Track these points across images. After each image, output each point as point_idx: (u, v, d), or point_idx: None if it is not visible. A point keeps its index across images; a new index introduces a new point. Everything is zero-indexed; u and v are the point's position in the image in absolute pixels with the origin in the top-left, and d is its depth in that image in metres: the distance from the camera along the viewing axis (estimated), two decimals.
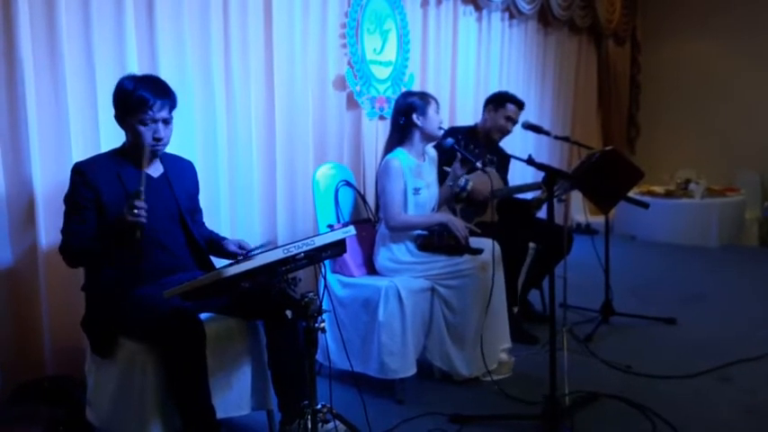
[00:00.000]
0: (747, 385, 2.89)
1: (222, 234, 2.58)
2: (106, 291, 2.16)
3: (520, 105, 3.67)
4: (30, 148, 2.54)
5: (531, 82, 5.90)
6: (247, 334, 2.33)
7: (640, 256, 5.61)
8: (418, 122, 2.88)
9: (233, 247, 2.35)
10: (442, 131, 2.95)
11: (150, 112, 2.15)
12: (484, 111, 3.71)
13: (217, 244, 2.42)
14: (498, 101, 3.65)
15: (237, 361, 2.31)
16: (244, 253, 2.30)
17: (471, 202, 3.34)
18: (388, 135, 3.00)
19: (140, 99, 2.13)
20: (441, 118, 2.96)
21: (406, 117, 2.89)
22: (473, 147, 2.91)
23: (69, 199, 2.17)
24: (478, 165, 2.84)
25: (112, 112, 2.22)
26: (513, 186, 3.65)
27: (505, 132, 3.67)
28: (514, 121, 3.67)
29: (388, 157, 2.87)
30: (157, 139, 2.19)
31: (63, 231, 2.16)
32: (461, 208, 3.39)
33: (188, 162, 2.49)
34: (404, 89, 4.21)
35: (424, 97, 2.93)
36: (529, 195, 3.69)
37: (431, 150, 3.07)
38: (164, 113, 2.18)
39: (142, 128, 2.16)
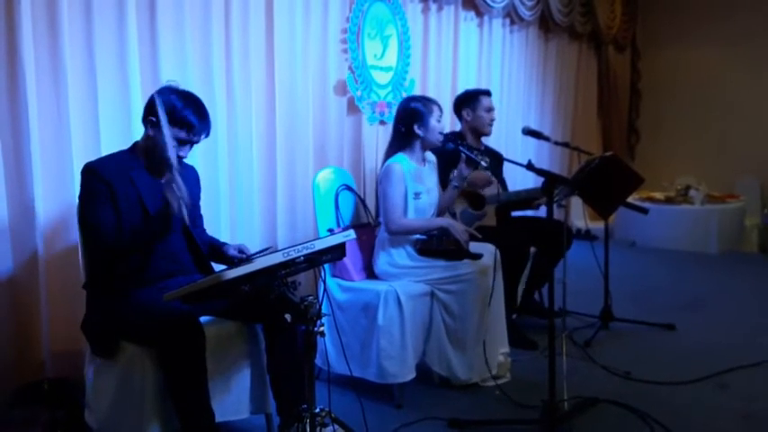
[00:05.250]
0: (746, 392, 2.89)
1: (222, 238, 2.59)
2: (107, 291, 2.17)
3: (489, 93, 3.72)
4: (31, 156, 2.55)
5: (532, 88, 5.91)
6: (246, 337, 2.33)
7: (640, 262, 5.61)
8: (419, 133, 2.89)
9: (233, 252, 2.35)
10: (441, 137, 2.94)
11: (188, 135, 2.17)
12: (459, 116, 3.71)
13: (217, 249, 2.42)
14: (471, 99, 3.67)
15: (236, 364, 2.31)
16: (244, 257, 2.30)
17: (470, 194, 3.35)
18: (390, 140, 3.01)
19: (185, 121, 2.14)
20: (442, 126, 2.96)
21: (407, 127, 2.90)
22: (476, 149, 2.93)
23: (84, 197, 2.14)
24: (483, 164, 2.85)
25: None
26: (514, 192, 3.66)
27: (492, 123, 3.68)
28: (493, 109, 3.69)
29: (390, 161, 2.88)
30: (180, 158, 2.20)
31: (90, 222, 2.12)
32: (462, 211, 3.39)
33: (191, 167, 2.49)
34: (404, 94, 4.23)
35: (427, 104, 2.92)
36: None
37: (431, 156, 3.08)
38: (195, 138, 2.20)
39: (170, 145, 2.11)
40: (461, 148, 2.89)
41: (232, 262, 2.33)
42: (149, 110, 2.17)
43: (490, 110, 3.65)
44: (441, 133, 2.92)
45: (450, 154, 3.03)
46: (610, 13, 6.80)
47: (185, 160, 2.32)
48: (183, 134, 2.16)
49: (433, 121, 2.89)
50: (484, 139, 3.78)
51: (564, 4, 5.93)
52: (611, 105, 7.17)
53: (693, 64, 7.29)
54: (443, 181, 3.12)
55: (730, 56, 7.01)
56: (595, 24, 6.52)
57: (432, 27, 4.63)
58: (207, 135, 2.26)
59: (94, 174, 2.13)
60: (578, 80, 6.66)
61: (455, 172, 2.99)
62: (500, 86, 5.39)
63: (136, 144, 2.28)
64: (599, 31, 6.63)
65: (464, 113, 3.67)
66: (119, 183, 2.14)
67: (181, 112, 2.13)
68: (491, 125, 3.68)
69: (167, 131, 2.05)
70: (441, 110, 2.96)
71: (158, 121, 2.07)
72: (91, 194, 2.13)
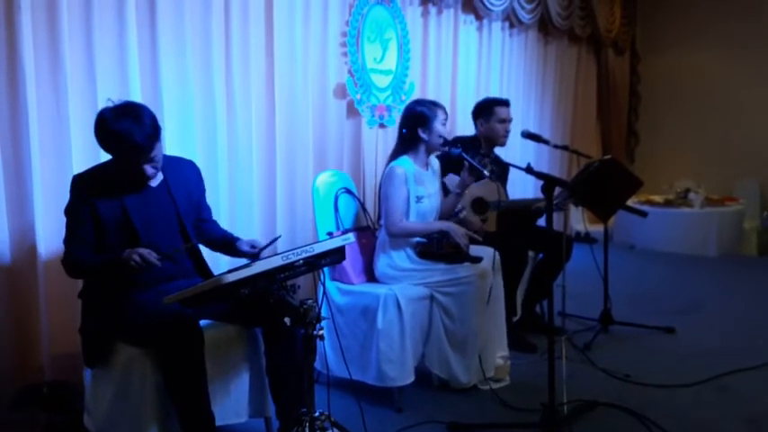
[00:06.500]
0: (746, 394, 2.89)
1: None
2: (104, 298, 2.17)
3: (506, 104, 3.66)
4: (31, 157, 2.55)
5: (531, 91, 5.92)
6: (246, 341, 2.33)
7: (639, 265, 5.61)
8: (423, 137, 2.90)
9: (246, 248, 2.34)
10: (443, 141, 2.94)
11: (140, 158, 2.11)
12: (475, 124, 3.70)
13: (230, 244, 2.40)
14: (485, 109, 3.64)
15: (236, 368, 2.31)
16: (256, 252, 2.30)
17: (474, 198, 3.37)
18: (396, 143, 3.02)
19: (128, 149, 2.07)
20: (447, 130, 2.95)
21: (411, 129, 2.90)
22: (481, 156, 2.93)
23: (69, 212, 2.18)
24: (486, 173, 2.86)
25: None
26: (515, 200, 3.66)
27: (507, 134, 3.65)
28: (509, 120, 3.65)
29: (393, 163, 2.89)
30: (152, 170, 2.18)
31: (65, 244, 2.18)
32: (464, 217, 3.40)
33: (189, 162, 2.48)
34: (404, 97, 4.23)
35: (432, 108, 2.92)
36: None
37: (434, 161, 3.08)
38: (153, 152, 2.13)
39: (134, 167, 2.13)
40: (464, 156, 2.88)
41: (245, 256, 2.33)
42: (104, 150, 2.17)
43: (504, 121, 3.60)
44: (440, 136, 2.92)
45: (454, 159, 3.03)
46: (609, 17, 6.82)
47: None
48: (138, 159, 2.10)
49: (437, 126, 2.90)
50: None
51: (563, 7, 5.95)
52: (610, 108, 7.18)
53: (693, 67, 7.30)
54: (442, 185, 3.13)
55: (730, 59, 7.03)
56: (595, 27, 6.53)
57: (431, 30, 4.64)
58: (159, 139, 2.15)
59: (79, 190, 2.15)
60: (577, 83, 6.67)
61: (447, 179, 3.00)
62: (499, 90, 5.39)
63: None
64: (598, 34, 6.64)
65: (479, 122, 3.67)
66: (103, 196, 2.16)
67: (124, 140, 2.04)
68: (505, 136, 3.63)
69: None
70: (446, 114, 2.96)
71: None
72: (72, 213, 2.17)
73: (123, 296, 2.16)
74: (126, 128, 2.04)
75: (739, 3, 6.87)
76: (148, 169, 2.16)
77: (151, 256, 2.05)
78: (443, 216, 3.07)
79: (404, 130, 2.92)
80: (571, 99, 6.56)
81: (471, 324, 2.82)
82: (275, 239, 2.34)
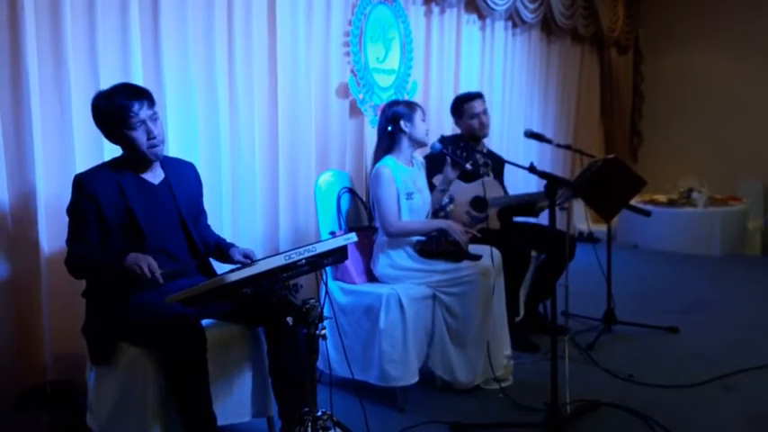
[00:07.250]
0: (751, 394, 2.88)
1: (226, 239, 2.57)
2: (107, 297, 2.17)
3: (475, 97, 3.63)
4: (34, 155, 2.55)
5: (534, 90, 5.91)
6: (248, 340, 2.33)
7: (643, 264, 5.60)
8: (406, 129, 2.91)
9: (238, 257, 2.34)
10: (429, 138, 2.97)
11: (134, 115, 2.13)
12: (455, 123, 3.72)
13: (224, 250, 2.41)
14: (457, 109, 3.66)
15: (238, 367, 2.31)
16: (249, 263, 2.30)
17: (474, 196, 3.37)
18: (376, 144, 3.02)
19: (119, 108, 2.12)
20: (427, 126, 3.00)
21: (393, 124, 2.92)
22: (461, 152, 2.95)
23: (71, 211, 2.18)
24: (468, 166, 2.90)
25: (100, 134, 2.21)
26: (513, 195, 3.65)
27: (483, 126, 3.62)
28: (483, 112, 3.61)
29: (378, 165, 2.89)
30: (152, 137, 2.18)
31: (68, 243, 2.18)
32: (465, 212, 3.40)
33: (189, 164, 2.49)
34: (407, 97, 4.23)
35: (410, 105, 2.97)
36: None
37: (418, 157, 3.10)
38: (147, 112, 2.16)
39: (134, 133, 2.15)
40: (445, 151, 2.93)
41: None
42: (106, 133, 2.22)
43: (474, 116, 3.58)
44: (428, 134, 2.94)
45: (438, 157, 3.06)
46: (612, 16, 6.81)
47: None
48: (130, 119, 2.13)
49: (417, 119, 2.92)
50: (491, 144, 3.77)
51: (566, 6, 5.94)
52: (613, 108, 7.17)
53: (696, 66, 7.29)
54: (430, 184, 3.14)
55: (734, 58, 7.01)
56: (598, 27, 6.52)
57: (434, 30, 4.63)
58: (152, 103, 2.20)
59: (82, 189, 2.15)
60: (581, 82, 6.66)
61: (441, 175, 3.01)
62: (502, 89, 5.39)
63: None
64: (601, 33, 6.63)
65: (455, 121, 3.69)
66: (106, 194, 2.16)
67: (112, 106, 2.12)
68: (482, 128, 3.62)
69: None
70: (424, 112, 2.99)
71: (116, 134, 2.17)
72: (74, 212, 2.17)
73: (126, 295, 2.16)
74: (119, 98, 2.13)
75: (743, 3, 6.85)
76: (153, 129, 2.16)
77: (156, 271, 2.02)
78: (436, 212, 3.07)
79: (387, 128, 2.93)
80: (574, 98, 6.55)
81: (474, 323, 2.82)
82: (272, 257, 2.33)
